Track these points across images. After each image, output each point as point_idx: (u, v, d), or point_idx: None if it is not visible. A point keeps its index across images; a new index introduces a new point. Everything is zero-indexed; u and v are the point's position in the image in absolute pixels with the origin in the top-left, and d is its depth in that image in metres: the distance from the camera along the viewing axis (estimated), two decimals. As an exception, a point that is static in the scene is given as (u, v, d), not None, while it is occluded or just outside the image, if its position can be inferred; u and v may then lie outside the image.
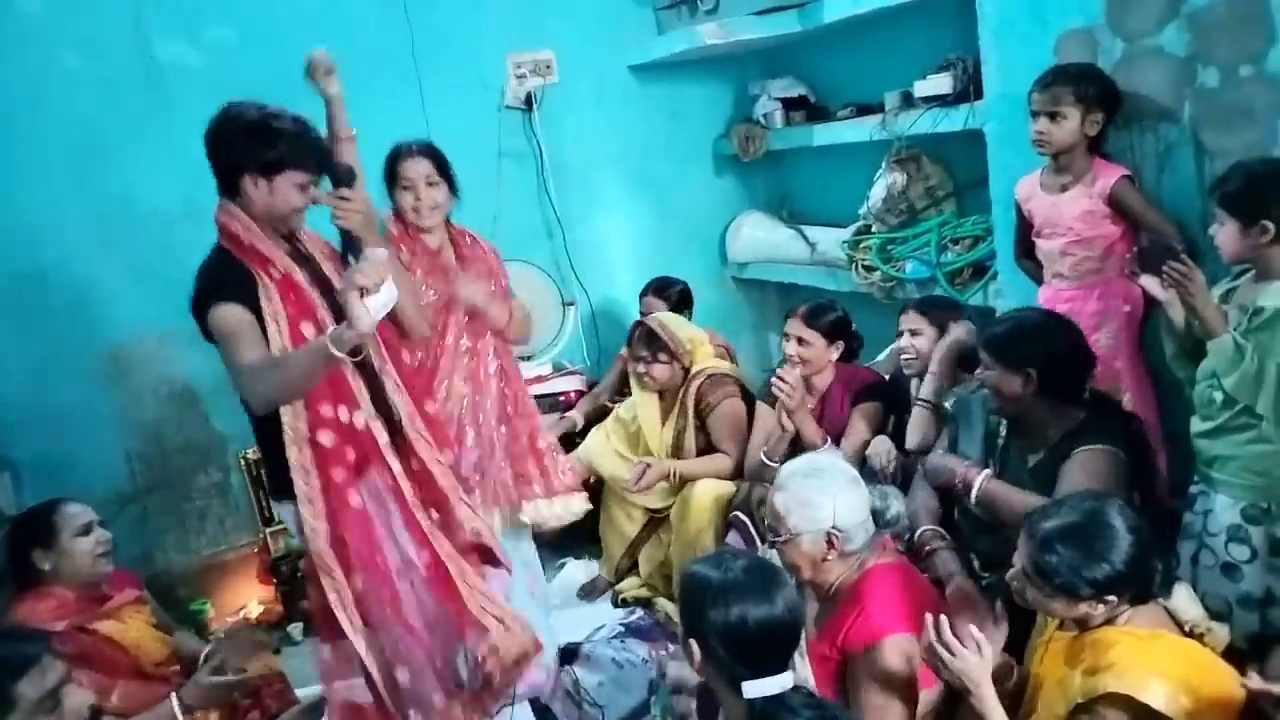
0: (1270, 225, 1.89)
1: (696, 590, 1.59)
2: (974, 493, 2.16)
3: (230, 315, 1.87)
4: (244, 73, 3.29)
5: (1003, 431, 2.27)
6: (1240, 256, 1.98)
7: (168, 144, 3.21)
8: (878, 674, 1.82)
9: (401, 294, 1.98)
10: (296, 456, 1.91)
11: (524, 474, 2.60)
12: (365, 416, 1.97)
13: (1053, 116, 2.32)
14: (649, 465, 3.05)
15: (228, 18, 3.35)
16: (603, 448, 3.32)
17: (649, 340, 3.16)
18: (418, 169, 2.43)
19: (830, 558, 1.93)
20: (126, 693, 2.10)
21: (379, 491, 2.00)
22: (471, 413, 2.52)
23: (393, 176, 2.46)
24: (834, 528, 1.90)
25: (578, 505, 2.71)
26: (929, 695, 1.85)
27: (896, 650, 1.82)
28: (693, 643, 1.58)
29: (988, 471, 2.19)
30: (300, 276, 1.97)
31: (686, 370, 3.16)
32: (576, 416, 3.54)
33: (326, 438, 1.93)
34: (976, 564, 2.23)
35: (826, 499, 1.91)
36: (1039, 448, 2.17)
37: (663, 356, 3.13)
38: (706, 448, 3.13)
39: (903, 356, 2.71)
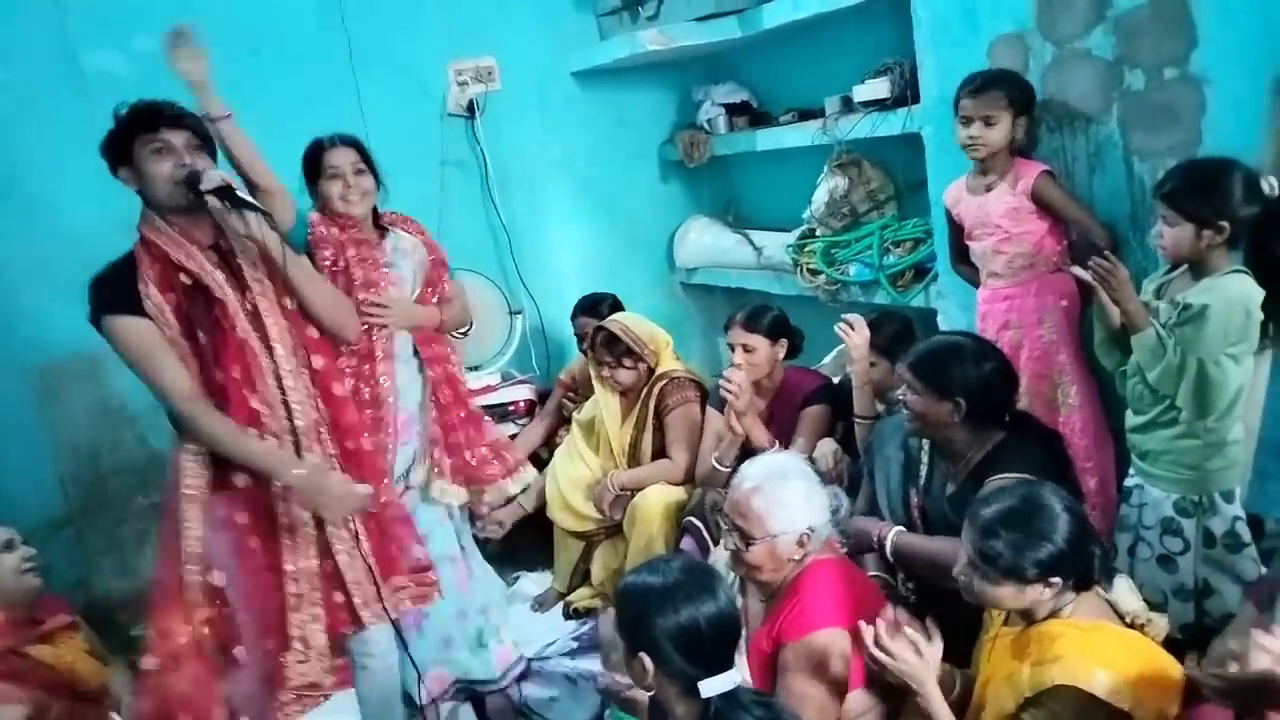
0: (1226, 226, 1.91)
1: (639, 600, 1.58)
2: (888, 549, 2.19)
3: (129, 331, 1.90)
4: (174, 82, 3.22)
5: (924, 459, 2.27)
6: (1187, 256, 2.00)
7: (97, 156, 3.12)
8: (805, 665, 1.84)
9: (324, 298, 2.09)
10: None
11: (472, 460, 2.60)
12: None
13: (986, 120, 2.36)
14: (606, 488, 3.06)
15: (156, 26, 3.24)
16: (563, 464, 3.30)
17: (610, 344, 3.13)
18: (344, 158, 2.41)
19: (797, 557, 1.94)
20: (62, 713, 2.08)
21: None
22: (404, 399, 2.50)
23: (316, 169, 2.42)
24: (809, 528, 1.92)
25: (529, 474, 2.74)
26: (861, 697, 1.86)
27: (827, 644, 1.84)
28: (642, 656, 1.55)
29: (898, 528, 2.21)
30: (209, 277, 1.94)
31: (651, 371, 3.15)
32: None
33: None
34: (910, 585, 2.26)
35: (803, 499, 1.94)
36: (958, 474, 2.17)
37: (627, 361, 3.11)
38: (663, 449, 3.13)
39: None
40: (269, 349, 1.98)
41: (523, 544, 3.35)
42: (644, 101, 4.19)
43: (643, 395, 3.15)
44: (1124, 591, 1.75)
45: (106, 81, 3.18)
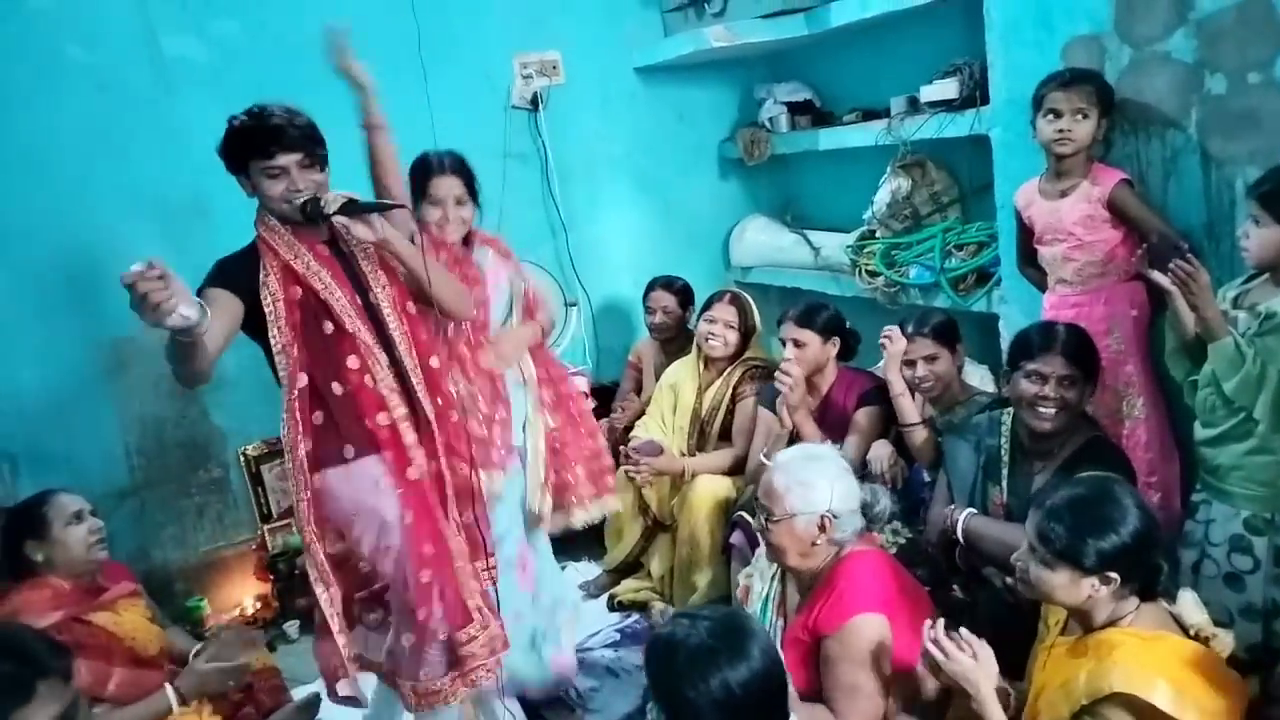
0: None
1: (669, 672, 1.49)
2: (958, 530, 2.21)
3: (208, 296, 1.95)
4: (249, 67, 3.31)
5: (1005, 457, 2.26)
6: (1271, 261, 1.95)
7: (173, 138, 3.21)
8: (848, 654, 1.84)
9: (445, 282, 2.13)
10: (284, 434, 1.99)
11: (580, 478, 2.66)
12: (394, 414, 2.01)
13: (1078, 114, 2.31)
14: (663, 448, 3.06)
15: (233, 11, 3.35)
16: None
17: (733, 301, 3.19)
18: (448, 188, 2.42)
19: (819, 542, 1.96)
20: (123, 680, 2.11)
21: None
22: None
23: (421, 190, 2.43)
24: (829, 511, 1.94)
25: (613, 505, 2.77)
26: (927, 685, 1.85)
27: (866, 629, 1.84)
28: None
29: (971, 509, 2.23)
30: (315, 277, 1.96)
31: (742, 350, 3.18)
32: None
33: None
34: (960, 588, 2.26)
35: (825, 481, 1.97)
36: (1048, 468, 2.18)
37: (734, 323, 3.15)
38: (729, 432, 3.16)
39: (921, 384, 2.62)
40: (386, 341, 2.02)
41: (570, 534, 3.36)
42: (705, 98, 4.19)
43: (725, 372, 3.17)
44: (1189, 604, 1.70)
45: (184, 66, 3.28)
